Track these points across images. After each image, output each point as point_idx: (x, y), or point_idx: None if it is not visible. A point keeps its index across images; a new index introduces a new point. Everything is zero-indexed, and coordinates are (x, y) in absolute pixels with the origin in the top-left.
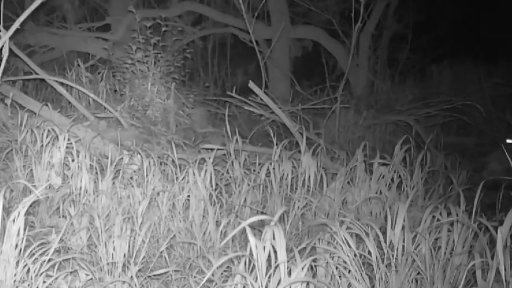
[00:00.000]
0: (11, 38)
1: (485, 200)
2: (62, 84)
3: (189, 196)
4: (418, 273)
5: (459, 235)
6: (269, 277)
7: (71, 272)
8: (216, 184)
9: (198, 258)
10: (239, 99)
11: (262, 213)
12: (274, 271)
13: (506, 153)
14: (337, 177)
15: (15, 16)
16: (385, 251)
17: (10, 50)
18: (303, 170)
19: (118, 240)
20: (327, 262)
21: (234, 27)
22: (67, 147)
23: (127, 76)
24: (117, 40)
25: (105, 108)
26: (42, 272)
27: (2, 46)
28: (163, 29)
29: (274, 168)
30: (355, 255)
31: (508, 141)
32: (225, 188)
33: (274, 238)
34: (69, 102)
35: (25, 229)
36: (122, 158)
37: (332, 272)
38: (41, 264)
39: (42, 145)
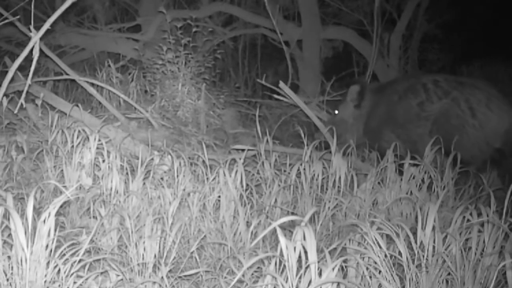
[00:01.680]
0: (41, 38)
1: None
2: (92, 84)
3: (219, 196)
4: (449, 274)
5: (490, 236)
6: (300, 277)
7: (101, 273)
8: (247, 185)
9: (229, 259)
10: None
11: (292, 213)
12: (305, 271)
13: None
14: (368, 177)
15: (46, 17)
16: (416, 252)
17: (41, 50)
18: (334, 171)
19: (148, 240)
20: (357, 263)
21: (265, 28)
22: (97, 148)
23: (157, 77)
24: (147, 40)
25: (135, 108)
26: (73, 273)
27: (33, 47)
28: (194, 29)
29: (304, 169)
30: (385, 255)
31: None
32: (255, 188)
33: (304, 239)
34: (100, 103)
35: (55, 230)
36: (152, 159)
37: (363, 272)
38: (72, 265)
39: (72, 146)
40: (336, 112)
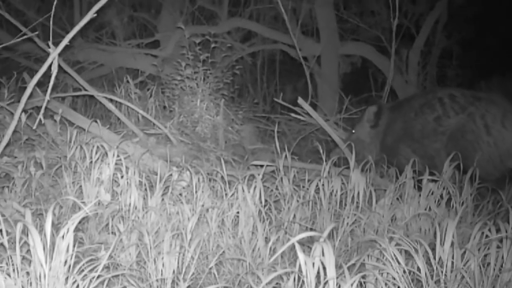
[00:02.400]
0: (60, 54)
1: None
2: (111, 100)
3: (238, 212)
4: None
5: (509, 251)
6: None
7: None
8: (265, 201)
9: (247, 275)
10: (286, 106)
11: (311, 229)
12: (324, 287)
13: None
14: (386, 193)
15: (64, 33)
16: (434, 268)
17: (59, 66)
18: (352, 187)
19: (167, 256)
20: (376, 279)
21: (283, 44)
22: (116, 164)
23: (176, 93)
24: (166, 56)
25: (154, 124)
26: None
27: (52, 63)
28: (212, 45)
29: (323, 185)
30: (404, 271)
31: None
32: (274, 204)
33: (323, 255)
34: (118, 119)
35: (74, 246)
36: (171, 175)
37: None
38: (90, 281)
39: (91, 162)
40: (353, 131)
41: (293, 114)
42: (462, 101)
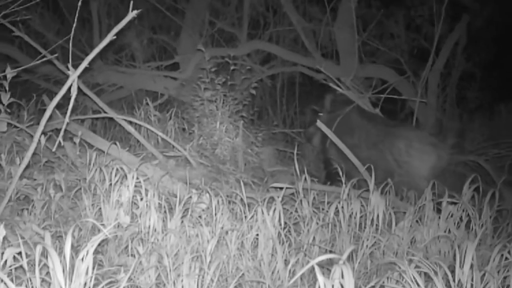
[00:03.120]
0: (79, 76)
1: None
2: (130, 122)
3: (257, 234)
4: None
5: None
6: None
7: None
8: (285, 223)
9: None
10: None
11: (330, 251)
12: None
13: None
14: (406, 215)
15: (84, 55)
16: None
17: (79, 88)
18: (372, 209)
19: (186, 279)
20: None
21: (303, 66)
22: (135, 186)
23: (195, 115)
24: (186, 78)
25: (173, 146)
26: None
27: (71, 85)
28: (232, 67)
29: (342, 207)
30: None
31: None
32: (293, 226)
33: (342, 277)
34: (138, 141)
35: (93, 268)
36: (190, 197)
37: None
38: None
39: (110, 184)
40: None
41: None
42: (374, 137)
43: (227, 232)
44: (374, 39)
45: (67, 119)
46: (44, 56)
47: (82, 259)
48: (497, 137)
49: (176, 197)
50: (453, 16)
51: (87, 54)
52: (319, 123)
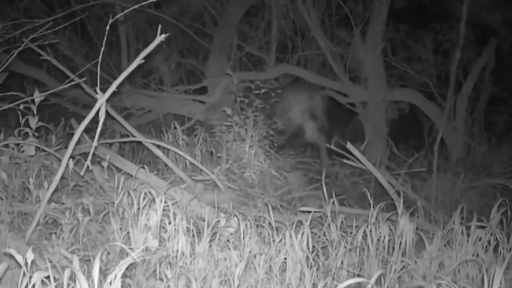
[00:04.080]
0: (108, 100)
1: None
2: (159, 146)
3: (285, 258)
4: None
5: None
6: None
7: None
8: (313, 247)
9: None
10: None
11: (358, 275)
12: None
13: None
14: (434, 239)
15: (112, 79)
16: None
17: (107, 112)
18: (400, 233)
19: None
20: None
21: (331, 90)
22: (163, 210)
23: (224, 139)
24: (214, 102)
25: (202, 170)
26: None
27: (99, 109)
28: (262, 91)
29: (370, 231)
30: None
31: None
32: (321, 250)
33: None
34: (166, 165)
35: None
36: (219, 221)
37: None
38: None
39: (138, 208)
40: None
41: (345, 160)
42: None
43: (255, 256)
44: (402, 62)
45: (95, 143)
46: (72, 80)
47: (110, 283)
48: None
49: (204, 221)
50: (480, 40)
51: (115, 78)
52: (349, 145)
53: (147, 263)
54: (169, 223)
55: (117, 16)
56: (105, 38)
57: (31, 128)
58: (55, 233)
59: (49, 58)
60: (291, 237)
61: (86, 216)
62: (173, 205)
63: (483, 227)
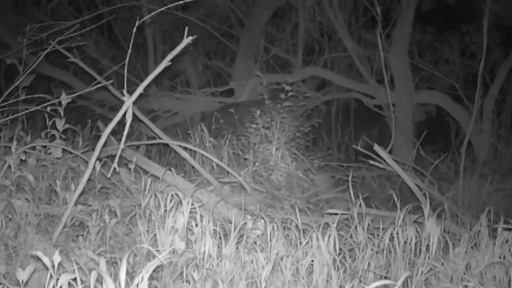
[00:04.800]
0: (134, 103)
1: None
2: (185, 149)
3: (312, 260)
4: None
5: None
6: None
7: None
8: (340, 249)
9: None
10: (362, 160)
11: (385, 277)
12: None
13: None
14: (461, 242)
15: (139, 81)
16: None
17: (134, 114)
18: (427, 235)
19: None
20: None
21: (358, 92)
22: (190, 212)
23: (251, 141)
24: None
25: (228, 173)
26: None
27: (126, 111)
28: (289, 94)
29: (397, 233)
30: None
31: None
32: (348, 252)
33: None
34: (193, 167)
35: None
36: (245, 223)
37: None
38: None
39: (165, 210)
40: None
41: (371, 161)
42: None
43: (282, 258)
44: (429, 64)
45: (122, 145)
46: (99, 82)
47: (137, 285)
48: None
49: (231, 223)
50: (507, 42)
51: (142, 80)
52: (376, 147)
53: (174, 265)
54: (196, 225)
55: (144, 19)
56: (132, 40)
57: (58, 130)
58: (82, 235)
59: (76, 60)
60: (318, 239)
61: (113, 218)
62: (200, 207)
63: (510, 229)
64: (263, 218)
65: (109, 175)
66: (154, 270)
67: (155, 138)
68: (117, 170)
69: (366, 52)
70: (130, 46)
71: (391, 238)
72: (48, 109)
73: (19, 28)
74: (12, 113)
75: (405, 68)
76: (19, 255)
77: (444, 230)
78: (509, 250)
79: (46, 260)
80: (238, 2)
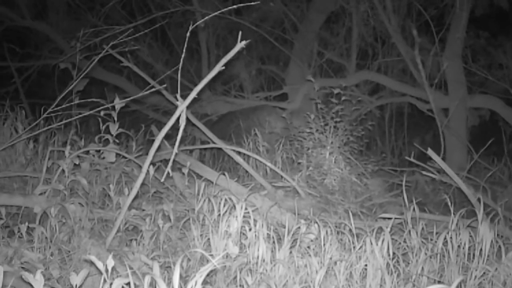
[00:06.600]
0: (188, 107)
1: None
2: (239, 153)
3: (366, 265)
4: None
5: None
6: None
7: None
8: (393, 253)
9: None
10: (416, 163)
11: (439, 282)
12: None
13: None
14: None
15: (192, 85)
16: None
17: (188, 119)
18: (481, 239)
19: None
20: None
21: (411, 96)
22: (244, 216)
23: (304, 145)
24: (294, 109)
25: (282, 177)
26: None
27: (180, 116)
28: (343, 98)
29: (451, 237)
30: None
31: None
32: (402, 257)
33: None
34: (246, 171)
35: None
36: (299, 227)
37: None
38: None
39: (219, 214)
40: None
41: (423, 172)
42: None
43: (335, 263)
44: (482, 69)
45: (175, 150)
46: (153, 87)
47: None
48: None
49: (284, 227)
50: None
51: (195, 85)
52: (430, 151)
53: (228, 270)
54: (250, 229)
55: (198, 23)
56: (185, 45)
57: (112, 135)
58: (136, 239)
59: (130, 65)
60: (371, 243)
61: (166, 222)
62: (254, 212)
63: None
64: (316, 222)
65: (162, 180)
66: (207, 275)
67: (208, 143)
68: (170, 174)
69: (419, 56)
70: (184, 50)
71: (445, 243)
72: (102, 113)
73: (73, 32)
74: (66, 117)
75: (458, 72)
76: (72, 260)
77: (497, 235)
78: None
79: (99, 265)
80: (291, 7)
